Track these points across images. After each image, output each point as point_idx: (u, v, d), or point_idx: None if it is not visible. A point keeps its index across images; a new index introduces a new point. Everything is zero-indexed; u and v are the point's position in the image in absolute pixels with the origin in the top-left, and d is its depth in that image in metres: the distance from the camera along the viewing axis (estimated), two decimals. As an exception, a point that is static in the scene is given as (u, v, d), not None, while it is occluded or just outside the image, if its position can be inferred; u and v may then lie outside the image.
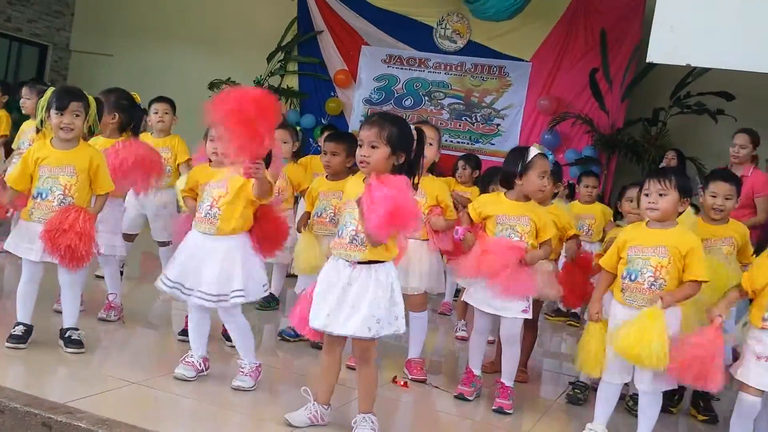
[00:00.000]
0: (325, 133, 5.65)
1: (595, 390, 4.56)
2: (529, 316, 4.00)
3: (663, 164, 8.16)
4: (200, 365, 3.74)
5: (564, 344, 5.98)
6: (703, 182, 4.50)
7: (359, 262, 3.18)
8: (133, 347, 4.33)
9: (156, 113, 5.78)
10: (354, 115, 11.68)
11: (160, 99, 5.91)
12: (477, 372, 4.15)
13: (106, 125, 4.52)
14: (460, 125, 11.26)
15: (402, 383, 4.09)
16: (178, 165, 5.63)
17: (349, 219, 3.22)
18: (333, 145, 4.67)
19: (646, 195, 3.61)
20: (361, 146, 3.25)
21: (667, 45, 6.21)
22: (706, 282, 3.52)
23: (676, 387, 3.72)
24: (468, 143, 11.09)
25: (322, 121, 11.19)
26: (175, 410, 3.38)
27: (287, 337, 4.72)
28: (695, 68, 9.00)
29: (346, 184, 3.42)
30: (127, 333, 4.46)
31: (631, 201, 4.52)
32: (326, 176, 4.77)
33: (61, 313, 4.03)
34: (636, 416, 4.00)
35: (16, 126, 6.42)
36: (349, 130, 11.16)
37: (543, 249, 3.97)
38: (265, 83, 11.69)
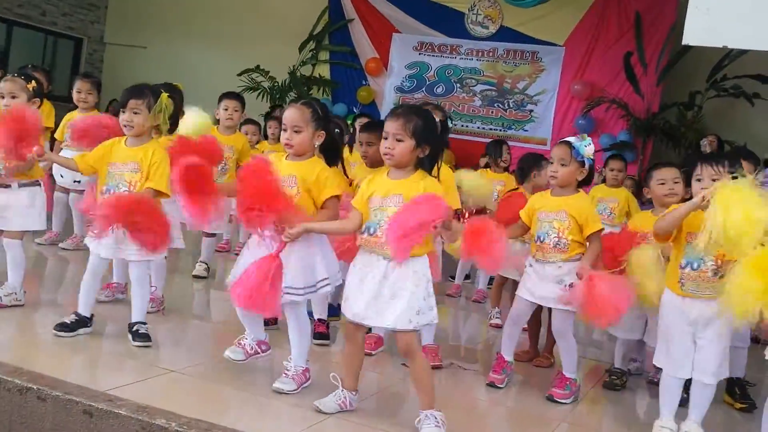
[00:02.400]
0: (359, 123, 5.64)
1: (632, 375, 4.54)
2: (573, 308, 3.86)
3: (702, 149, 8.05)
4: (252, 348, 3.73)
5: (594, 331, 5.93)
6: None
7: None
8: (173, 337, 4.38)
9: (226, 110, 5.71)
10: (385, 103, 11.67)
11: (230, 95, 5.79)
12: (509, 358, 4.13)
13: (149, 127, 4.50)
14: (492, 112, 11.20)
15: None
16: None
17: (383, 217, 3.21)
18: (367, 135, 4.67)
19: (699, 180, 3.52)
20: (386, 138, 3.25)
21: (703, 27, 6.08)
22: None
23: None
24: (500, 130, 11.03)
25: (354, 110, 11.21)
26: (214, 398, 3.42)
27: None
28: (732, 50, 8.86)
29: (373, 180, 3.37)
30: (167, 323, 4.52)
31: (663, 183, 4.38)
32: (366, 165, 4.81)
33: (102, 302, 4.03)
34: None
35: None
36: (382, 119, 11.18)
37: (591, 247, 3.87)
38: (297, 72, 11.74)
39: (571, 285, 3.80)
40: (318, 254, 3.53)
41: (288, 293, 3.45)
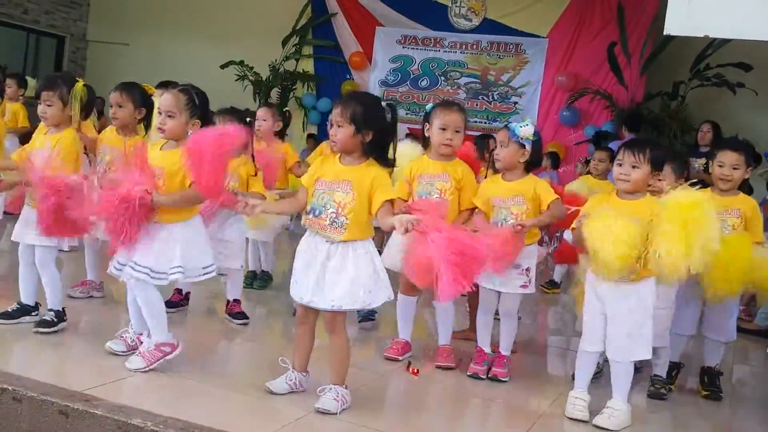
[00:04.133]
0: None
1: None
2: (530, 290, 4.01)
3: (698, 137, 8.04)
4: (133, 342, 3.74)
5: (565, 317, 5.93)
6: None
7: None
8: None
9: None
10: (370, 97, 11.63)
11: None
12: (487, 350, 4.15)
13: (130, 120, 4.50)
14: (477, 104, 11.19)
15: (414, 371, 4.06)
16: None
17: (329, 201, 3.27)
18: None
19: (619, 165, 3.59)
20: (331, 126, 3.35)
21: (685, 16, 6.06)
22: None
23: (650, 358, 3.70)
24: (485, 122, 11.02)
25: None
26: (191, 396, 3.40)
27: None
28: (714, 40, 8.88)
29: (325, 162, 3.41)
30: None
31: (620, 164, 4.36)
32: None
33: (75, 298, 4.03)
34: (651, 398, 4.01)
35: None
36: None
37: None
38: (279, 68, 11.69)
39: (527, 269, 3.94)
40: (179, 243, 3.53)
41: (134, 268, 3.50)
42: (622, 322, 3.50)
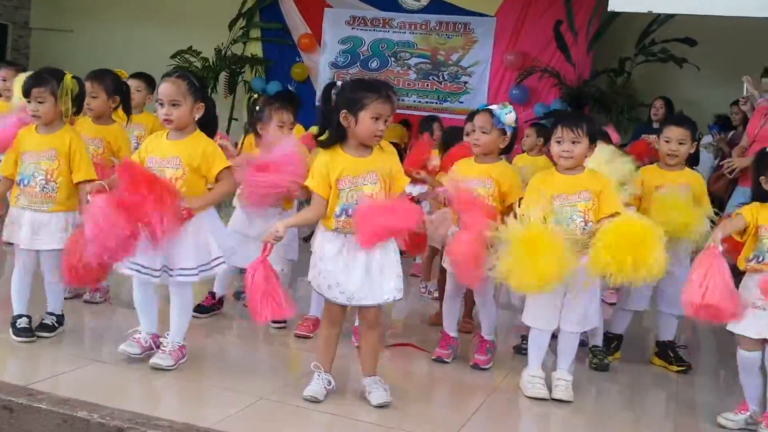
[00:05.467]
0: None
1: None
2: None
3: (651, 113, 8.13)
4: (147, 342, 3.64)
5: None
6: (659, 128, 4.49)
7: None
8: (98, 327, 4.29)
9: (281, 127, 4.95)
10: (321, 79, 11.53)
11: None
12: (453, 334, 4.17)
13: (105, 109, 4.40)
14: (427, 85, 11.18)
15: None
16: None
17: (360, 197, 3.23)
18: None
19: (558, 142, 3.63)
20: (162, 105, 3.42)
21: (629, -8, 6.17)
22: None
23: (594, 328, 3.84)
24: (436, 103, 11.02)
25: (289, 88, 11.05)
26: (137, 387, 3.37)
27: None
28: (659, 15, 8.99)
29: (333, 161, 3.29)
30: (90, 312, 4.42)
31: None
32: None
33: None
34: (596, 370, 4.09)
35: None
36: (317, 96, 11.08)
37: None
38: (226, 52, 11.51)
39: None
40: (209, 233, 3.51)
41: (180, 275, 3.45)
42: (579, 294, 3.56)
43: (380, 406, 3.28)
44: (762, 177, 3.51)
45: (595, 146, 3.73)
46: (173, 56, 11.16)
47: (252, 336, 4.31)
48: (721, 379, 4.42)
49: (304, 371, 3.65)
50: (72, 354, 3.63)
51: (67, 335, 4.00)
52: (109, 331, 4.21)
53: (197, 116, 3.52)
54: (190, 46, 11.35)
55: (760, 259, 3.43)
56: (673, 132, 4.23)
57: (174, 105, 3.46)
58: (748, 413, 3.48)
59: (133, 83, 5.08)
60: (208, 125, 3.63)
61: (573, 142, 3.61)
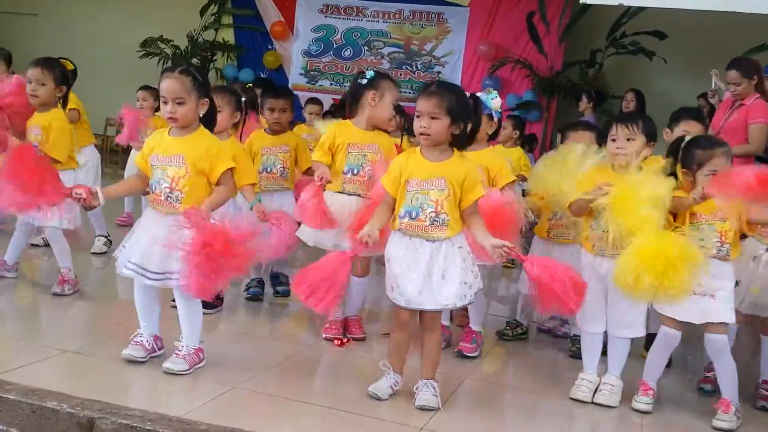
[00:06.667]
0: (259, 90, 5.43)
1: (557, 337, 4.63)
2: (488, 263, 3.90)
3: (623, 105, 8.18)
4: (150, 345, 3.53)
5: (510, 289, 6.03)
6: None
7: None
8: (67, 317, 4.23)
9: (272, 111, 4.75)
10: (293, 67, 11.50)
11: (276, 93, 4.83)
12: (446, 323, 4.18)
13: (51, 99, 4.33)
14: (401, 74, 11.17)
15: (338, 342, 4.06)
16: None
17: (425, 201, 3.22)
18: (283, 102, 4.65)
19: (613, 140, 3.61)
20: (420, 117, 3.22)
21: (600, -15, 6.19)
22: None
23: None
24: (410, 92, 10.97)
25: (261, 75, 10.99)
26: (107, 377, 3.33)
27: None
28: (630, 8, 9.07)
29: (408, 162, 3.28)
30: (60, 303, 4.36)
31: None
32: (265, 130, 4.75)
33: None
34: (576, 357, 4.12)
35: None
36: (289, 84, 11.02)
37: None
38: (198, 38, 11.40)
39: None
40: None
41: (174, 279, 3.32)
42: (623, 298, 3.49)
43: (421, 408, 3.25)
44: (683, 169, 3.53)
45: (654, 145, 3.66)
46: (143, 45, 11.00)
47: (223, 327, 4.29)
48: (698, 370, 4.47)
49: (276, 361, 3.64)
50: (41, 344, 3.57)
51: (36, 326, 3.95)
52: (78, 322, 4.17)
53: (202, 113, 3.39)
54: (161, 35, 11.20)
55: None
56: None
57: (179, 103, 3.33)
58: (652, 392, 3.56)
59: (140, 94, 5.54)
60: (209, 120, 3.51)
61: (628, 139, 3.57)
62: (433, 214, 3.21)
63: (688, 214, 3.49)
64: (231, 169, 3.43)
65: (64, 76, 4.36)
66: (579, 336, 4.24)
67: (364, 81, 4.04)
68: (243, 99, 4.50)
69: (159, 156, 3.38)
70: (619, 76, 9.93)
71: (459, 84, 10.68)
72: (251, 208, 3.98)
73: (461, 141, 3.27)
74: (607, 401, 3.56)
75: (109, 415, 2.86)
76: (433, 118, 3.17)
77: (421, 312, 3.31)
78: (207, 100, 3.41)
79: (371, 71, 4.12)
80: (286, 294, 4.82)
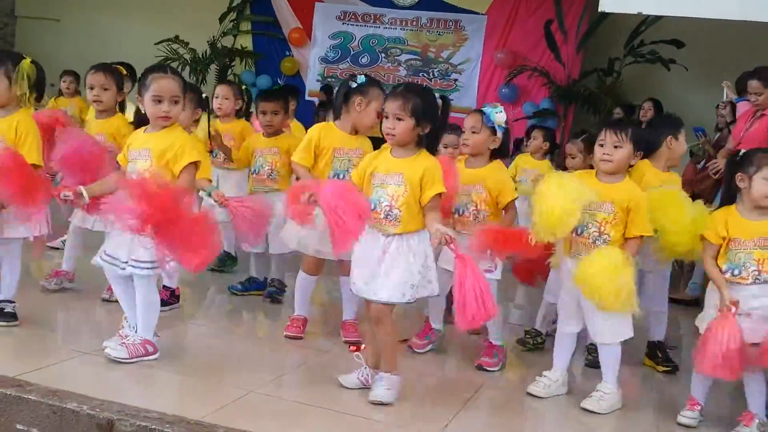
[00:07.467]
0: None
1: (550, 336, 4.63)
2: (496, 276, 3.90)
3: (640, 114, 8.15)
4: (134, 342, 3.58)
5: (509, 293, 6.02)
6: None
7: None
8: (87, 319, 4.28)
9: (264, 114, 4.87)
10: (311, 74, 11.54)
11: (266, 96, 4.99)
12: (436, 326, 4.20)
13: (113, 104, 4.45)
14: (417, 81, 11.16)
15: (355, 348, 4.07)
16: None
17: (383, 194, 3.31)
18: (273, 105, 4.77)
19: (601, 145, 3.60)
20: (386, 118, 3.32)
21: (619, -6, 6.19)
22: (649, 236, 3.60)
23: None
24: (426, 99, 11.04)
25: (279, 82, 11.01)
26: (126, 379, 3.36)
27: (235, 291, 4.97)
28: (648, 17, 9.04)
29: (375, 158, 3.43)
30: (79, 305, 4.40)
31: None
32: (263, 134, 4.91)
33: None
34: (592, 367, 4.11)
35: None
36: (306, 90, 11.06)
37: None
38: (218, 43, 11.48)
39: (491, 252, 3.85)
40: None
41: (133, 266, 3.42)
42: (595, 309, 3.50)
43: (372, 403, 3.28)
44: (739, 174, 3.44)
45: (641, 156, 3.67)
46: (158, 43, 11.12)
47: (241, 330, 4.32)
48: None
49: (292, 366, 3.67)
50: (61, 346, 3.62)
51: (55, 327, 3.99)
52: (97, 324, 4.20)
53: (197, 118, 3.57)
54: (177, 36, 11.30)
55: (735, 272, 3.39)
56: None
57: (175, 102, 3.45)
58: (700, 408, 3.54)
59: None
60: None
61: (615, 147, 3.57)
62: (388, 208, 3.30)
63: (728, 240, 3.42)
64: (194, 164, 3.48)
65: (122, 81, 4.46)
66: (595, 345, 4.24)
67: (354, 85, 4.10)
68: (204, 96, 4.67)
69: (132, 150, 3.54)
70: (637, 85, 9.89)
71: (476, 91, 10.72)
72: (209, 194, 3.99)
73: (429, 141, 3.37)
74: (593, 407, 3.55)
75: (128, 417, 2.90)
76: (398, 119, 3.28)
77: (366, 302, 3.39)
78: (428, 124, 3.37)
79: (362, 76, 4.16)
80: (273, 297, 4.88)
